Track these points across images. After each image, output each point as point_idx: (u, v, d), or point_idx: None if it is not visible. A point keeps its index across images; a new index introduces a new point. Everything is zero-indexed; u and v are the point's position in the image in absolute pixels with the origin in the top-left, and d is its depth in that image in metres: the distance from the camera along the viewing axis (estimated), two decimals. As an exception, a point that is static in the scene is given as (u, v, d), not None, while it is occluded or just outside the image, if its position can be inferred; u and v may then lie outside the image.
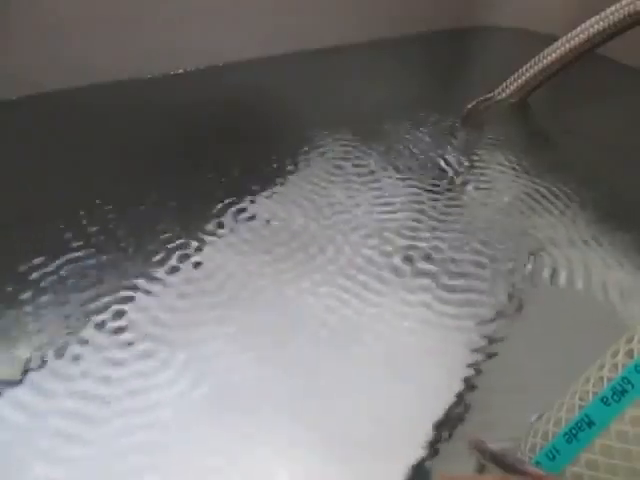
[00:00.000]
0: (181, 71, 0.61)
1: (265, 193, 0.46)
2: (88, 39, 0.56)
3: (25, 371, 0.31)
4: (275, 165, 0.49)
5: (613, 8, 0.51)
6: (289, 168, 0.49)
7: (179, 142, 0.52)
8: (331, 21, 0.68)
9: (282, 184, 0.47)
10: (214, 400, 0.31)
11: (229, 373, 0.33)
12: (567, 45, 0.54)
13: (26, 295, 0.36)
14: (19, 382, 0.31)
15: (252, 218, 0.43)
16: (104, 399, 0.30)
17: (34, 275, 0.37)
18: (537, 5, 0.75)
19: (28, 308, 0.35)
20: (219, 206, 0.44)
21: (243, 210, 0.44)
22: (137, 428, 0.29)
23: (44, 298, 0.36)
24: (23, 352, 0.32)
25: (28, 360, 0.32)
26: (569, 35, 0.54)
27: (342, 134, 0.54)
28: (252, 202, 0.45)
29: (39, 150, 0.49)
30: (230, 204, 0.44)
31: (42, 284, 0.36)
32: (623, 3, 0.51)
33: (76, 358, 0.32)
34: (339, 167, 0.49)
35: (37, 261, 0.38)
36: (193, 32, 0.61)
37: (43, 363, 0.32)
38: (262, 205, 0.45)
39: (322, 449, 0.29)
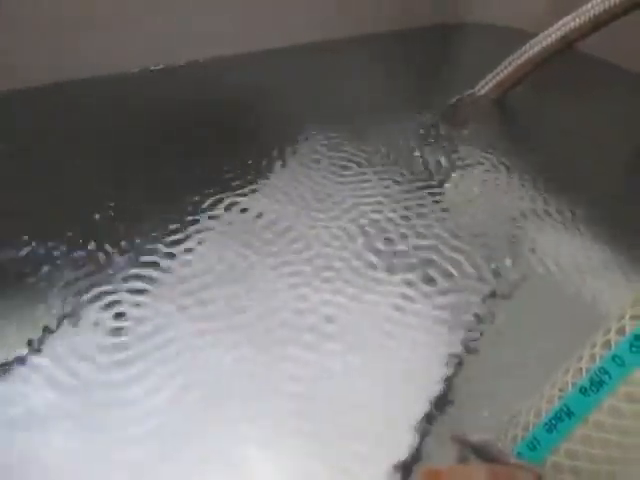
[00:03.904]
0: (180, 64, 0.61)
1: (254, 188, 0.46)
2: (87, 34, 0.56)
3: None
4: (263, 161, 0.49)
5: (590, 5, 0.52)
6: (277, 164, 0.49)
7: (172, 136, 0.52)
8: (313, 17, 0.68)
9: (269, 180, 0.47)
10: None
11: (217, 364, 0.33)
12: (546, 41, 0.54)
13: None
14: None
15: (244, 212, 0.44)
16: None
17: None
18: (517, 2, 0.75)
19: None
20: (210, 201, 0.44)
21: (235, 205, 0.44)
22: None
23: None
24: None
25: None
26: (547, 31, 0.55)
27: (326, 131, 0.54)
28: (242, 196, 0.45)
29: (38, 146, 0.49)
30: (221, 199, 0.44)
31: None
32: None
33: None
34: (324, 165, 0.50)
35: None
36: (190, 26, 0.61)
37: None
38: (252, 200, 0.45)
39: (306, 441, 0.30)
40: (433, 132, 0.55)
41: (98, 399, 0.31)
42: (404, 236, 0.42)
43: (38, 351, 0.33)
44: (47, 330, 0.34)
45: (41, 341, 0.33)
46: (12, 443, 0.28)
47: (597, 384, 0.23)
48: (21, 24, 0.53)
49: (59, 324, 0.34)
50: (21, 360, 0.32)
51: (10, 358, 0.32)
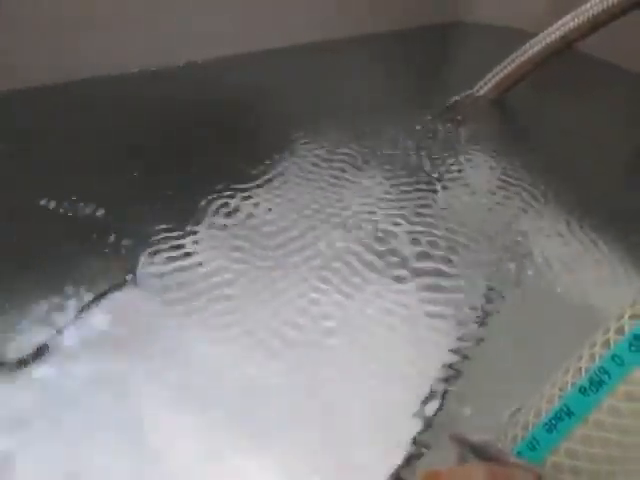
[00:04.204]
0: (180, 65, 0.61)
1: (253, 188, 0.46)
2: (87, 34, 0.56)
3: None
4: (263, 161, 0.49)
5: (589, 5, 0.52)
6: (277, 165, 0.49)
7: (172, 136, 0.52)
8: (313, 18, 0.68)
9: (268, 180, 0.47)
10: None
11: (217, 362, 0.33)
12: (544, 41, 0.55)
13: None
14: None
15: (243, 212, 0.44)
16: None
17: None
18: (517, 2, 0.75)
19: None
20: (209, 201, 0.44)
21: (234, 205, 0.44)
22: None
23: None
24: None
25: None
26: (546, 32, 0.55)
27: (325, 131, 0.54)
28: (242, 197, 0.45)
29: (38, 146, 0.49)
30: (220, 199, 0.44)
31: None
32: (597, 0, 0.51)
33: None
34: (323, 165, 0.50)
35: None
36: (190, 27, 0.61)
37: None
38: (252, 201, 0.45)
39: (305, 438, 0.30)
40: (432, 132, 0.55)
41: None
42: (403, 237, 0.42)
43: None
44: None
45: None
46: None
47: (597, 384, 0.23)
48: (21, 24, 0.53)
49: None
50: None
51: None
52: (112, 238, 0.40)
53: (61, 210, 0.43)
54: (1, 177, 0.45)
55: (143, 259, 0.39)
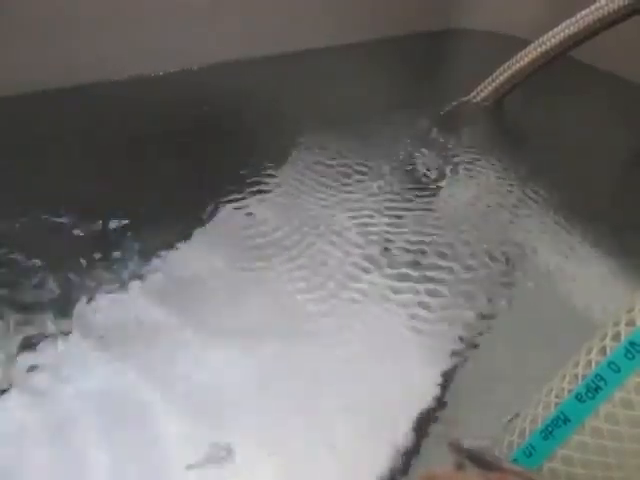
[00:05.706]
0: (175, 70, 0.62)
1: (249, 194, 0.46)
2: (87, 38, 0.56)
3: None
4: (259, 167, 0.49)
5: (583, 12, 0.52)
6: (273, 170, 0.49)
7: (172, 140, 0.52)
8: (310, 24, 0.68)
9: (266, 186, 0.47)
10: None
11: (218, 367, 0.33)
12: (539, 49, 0.55)
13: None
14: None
15: (243, 216, 0.44)
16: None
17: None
18: (510, 9, 0.76)
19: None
20: (210, 206, 0.44)
21: (233, 209, 0.44)
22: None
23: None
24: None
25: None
26: (541, 39, 0.55)
27: (322, 136, 0.54)
28: (233, 202, 0.45)
29: (39, 150, 0.49)
30: (214, 204, 0.45)
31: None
32: (593, 8, 0.52)
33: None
34: (321, 169, 0.50)
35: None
36: (188, 34, 0.61)
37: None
38: (251, 206, 0.45)
39: (303, 442, 0.30)
40: (430, 139, 0.55)
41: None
42: (399, 243, 0.42)
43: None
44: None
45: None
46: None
47: (593, 390, 0.23)
48: (20, 30, 0.53)
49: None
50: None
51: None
52: (110, 239, 0.40)
53: (60, 211, 0.43)
54: (1, 179, 0.45)
55: (142, 262, 0.39)
